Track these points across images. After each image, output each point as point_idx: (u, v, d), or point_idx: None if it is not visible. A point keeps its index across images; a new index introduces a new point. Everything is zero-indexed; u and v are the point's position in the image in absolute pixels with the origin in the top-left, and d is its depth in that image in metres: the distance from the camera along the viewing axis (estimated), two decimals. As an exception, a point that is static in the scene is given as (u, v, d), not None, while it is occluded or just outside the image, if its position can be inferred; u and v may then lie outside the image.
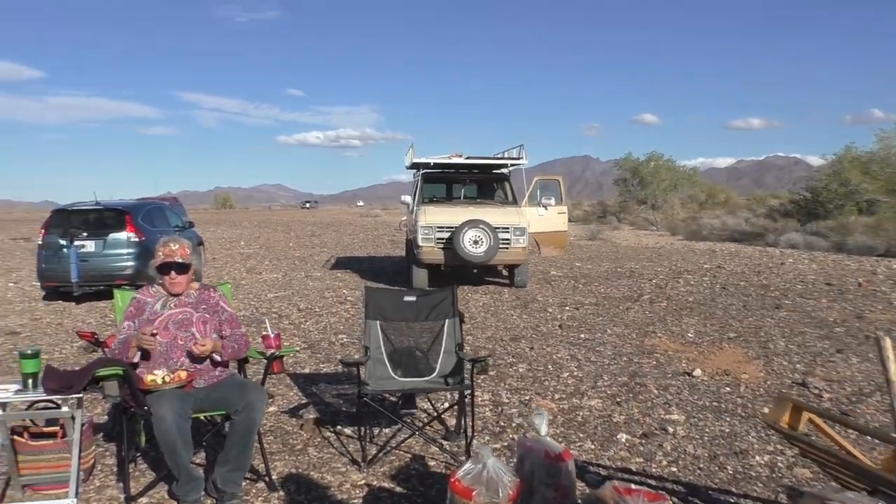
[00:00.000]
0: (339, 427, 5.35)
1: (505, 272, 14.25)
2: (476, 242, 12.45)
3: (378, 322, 4.95)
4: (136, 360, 3.98)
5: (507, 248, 12.65)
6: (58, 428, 4.17)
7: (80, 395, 3.73)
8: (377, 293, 5.08)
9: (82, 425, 3.96)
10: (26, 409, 4.09)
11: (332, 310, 11.03)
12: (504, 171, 14.49)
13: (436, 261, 12.89)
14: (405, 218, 38.91)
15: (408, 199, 14.80)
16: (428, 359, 4.94)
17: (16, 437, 4.06)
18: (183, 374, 3.92)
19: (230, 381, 4.10)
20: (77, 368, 3.94)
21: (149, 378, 3.85)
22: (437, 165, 13.82)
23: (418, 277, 13.01)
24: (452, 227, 12.52)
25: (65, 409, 3.77)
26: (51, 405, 3.98)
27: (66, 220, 12.28)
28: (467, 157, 14.05)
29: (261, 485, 4.26)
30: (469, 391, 4.61)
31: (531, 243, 13.47)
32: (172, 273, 4.10)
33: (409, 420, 5.31)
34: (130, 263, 12.09)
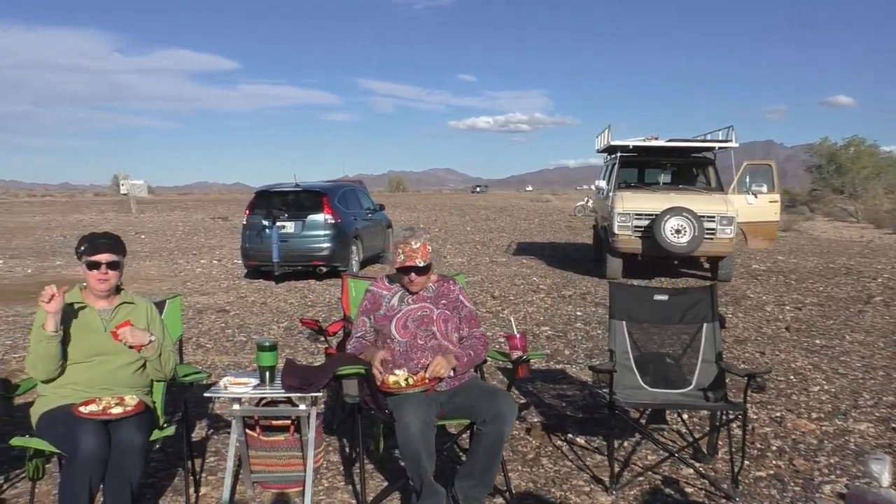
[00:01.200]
0: (569, 435, 4.83)
1: (706, 264, 13.19)
2: (678, 231, 11.54)
3: (624, 323, 4.35)
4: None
5: (711, 238, 11.66)
6: (289, 421, 3.95)
7: (319, 394, 3.44)
8: (623, 290, 4.48)
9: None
10: (262, 405, 3.87)
11: (526, 298, 10.57)
12: (708, 154, 13.40)
13: (632, 250, 12.12)
14: (580, 203, 37.83)
15: (602, 183, 14.05)
16: (680, 367, 4.29)
17: (248, 430, 3.87)
18: (423, 377, 3.53)
19: (475, 385, 3.67)
20: (316, 365, 3.67)
21: (391, 379, 3.49)
22: (636, 149, 12.95)
23: (612, 267, 12.30)
24: (652, 215, 11.71)
25: (302, 406, 3.50)
26: (285, 400, 3.74)
27: (269, 202, 12.63)
28: (669, 140, 13.09)
29: (500, 500, 3.83)
30: (742, 412, 3.92)
31: (738, 234, 12.32)
32: (412, 275, 3.71)
33: (655, 435, 4.68)
34: (326, 245, 12.26)
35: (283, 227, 12.20)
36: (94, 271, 3.42)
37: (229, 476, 3.55)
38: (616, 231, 11.98)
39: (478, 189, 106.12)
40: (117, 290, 3.58)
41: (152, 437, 3.29)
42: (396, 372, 3.54)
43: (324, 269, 12.49)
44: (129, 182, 49.67)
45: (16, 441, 3.21)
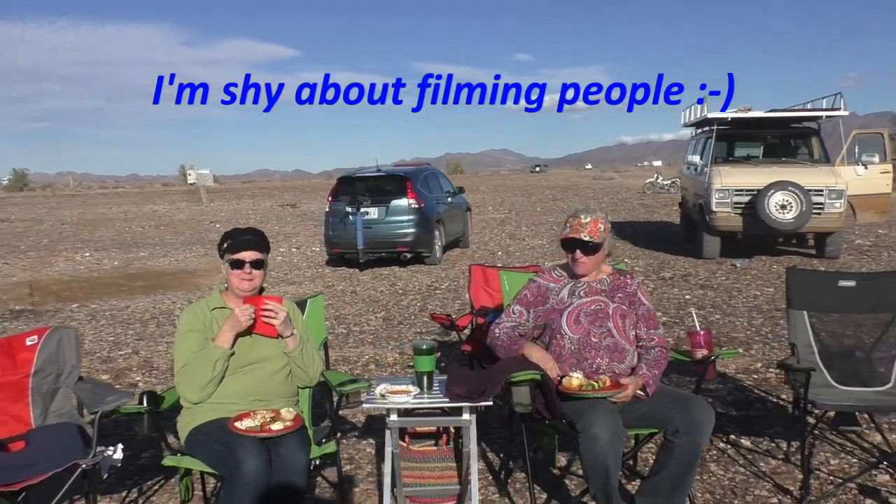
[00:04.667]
0: (731, 436, 4.37)
1: (811, 241, 12.46)
2: (784, 207, 10.87)
3: (805, 313, 3.87)
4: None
5: (819, 213, 10.95)
6: (435, 428, 3.60)
7: (490, 403, 3.06)
8: (803, 276, 3.99)
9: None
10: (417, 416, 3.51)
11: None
12: (812, 125, 12.61)
13: (732, 227, 11.51)
14: (649, 181, 36.73)
15: (694, 158, 13.37)
16: (872, 363, 3.79)
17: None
18: (607, 381, 3.12)
19: (660, 391, 3.24)
20: (482, 371, 3.30)
21: (575, 382, 3.09)
22: (735, 121, 12.23)
23: (710, 246, 11.73)
24: (754, 190, 11.07)
25: (465, 416, 3.13)
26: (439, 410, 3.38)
27: (352, 188, 12.37)
28: (769, 111, 12.35)
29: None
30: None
31: (847, 208, 11.57)
32: (577, 252, 3.30)
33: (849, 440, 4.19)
34: (411, 230, 11.95)
35: (367, 213, 11.92)
36: (238, 270, 3.11)
37: (388, 493, 3.22)
38: (714, 208, 11.37)
39: (537, 168, 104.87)
40: (260, 291, 3.26)
41: (311, 455, 2.97)
42: (572, 374, 3.15)
43: (408, 256, 12.20)
44: (197, 172, 50.40)
45: (169, 461, 2.93)
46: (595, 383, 3.08)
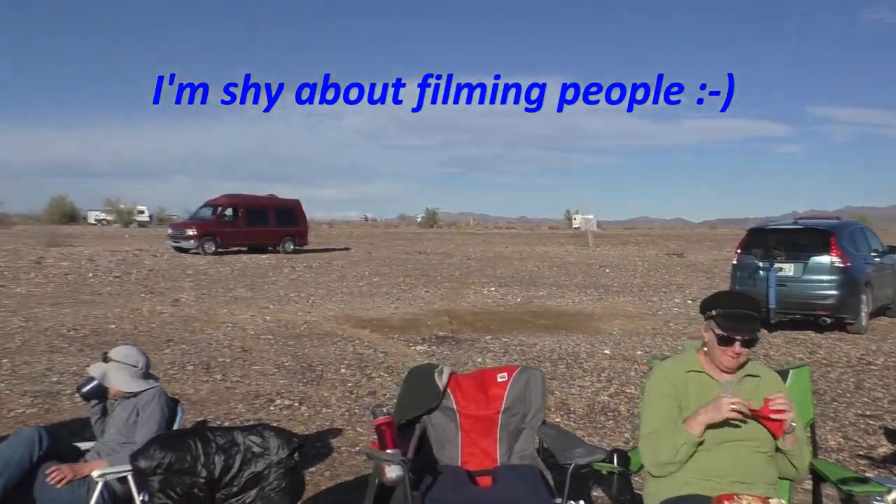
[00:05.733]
0: None
1: None
2: None
3: None
4: None
5: None
6: None
7: None
8: None
9: None
10: None
11: None
12: None
13: None
14: None
15: None
16: None
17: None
18: None
19: None
20: None
21: None
22: None
23: None
24: None
25: None
26: None
27: (764, 240, 11.51)
28: None
29: None
30: None
31: None
32: None
33: None
34: (832, 292, 10.66)
35: (781, 269, 10.94)
36: (726, 347, 2.82)
37: None
38: None
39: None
40: (741, 365, 2.93)
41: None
42: None
43: (827, 321, 10.88)
44: (583, 217, 52.07)
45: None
46: None
